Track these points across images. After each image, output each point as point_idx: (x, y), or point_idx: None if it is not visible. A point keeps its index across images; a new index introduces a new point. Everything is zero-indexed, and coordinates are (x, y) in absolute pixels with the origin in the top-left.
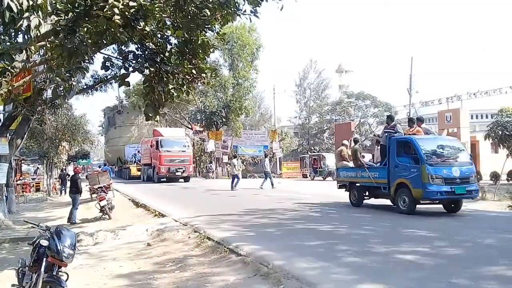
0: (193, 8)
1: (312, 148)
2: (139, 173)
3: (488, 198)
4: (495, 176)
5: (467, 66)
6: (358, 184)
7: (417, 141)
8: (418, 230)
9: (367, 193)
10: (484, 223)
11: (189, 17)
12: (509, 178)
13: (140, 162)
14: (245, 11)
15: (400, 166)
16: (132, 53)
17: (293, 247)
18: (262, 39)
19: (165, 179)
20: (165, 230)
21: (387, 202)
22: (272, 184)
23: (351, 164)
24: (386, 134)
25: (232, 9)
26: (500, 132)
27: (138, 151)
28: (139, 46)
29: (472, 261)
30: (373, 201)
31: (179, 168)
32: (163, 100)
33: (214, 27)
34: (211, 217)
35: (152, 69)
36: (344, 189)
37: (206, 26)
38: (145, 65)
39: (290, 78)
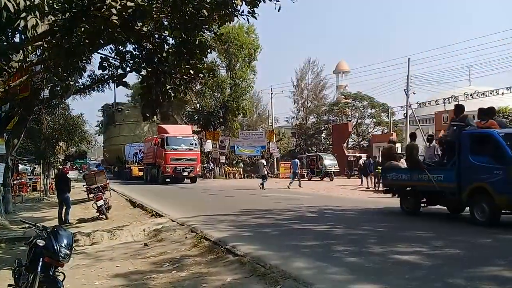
0: (190, 8)
1: (310, 148)
2: (141, 173)
3: None
4: None
5: (465, 65)
6: (413, 189)
7: (500, 135)
8: (415, 231)
9: (425, 199)
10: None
11: (187, 17)
12: None
13: (142, 161)
14: (242, 11)
15: (476, 167)
16: (129, 53)
17: (290, 247)
18: (260, 39)
19: (170, 180)
20: (162, 230)
21: (385, 201)
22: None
23: (402, 164)
24: (454, 127)
25: (230, 9)
26: None
27: (140, 150)
28: (136, 46)
29: (469, 261)
30: (361, 197)
31: (186, 168)
32: (161, 100)
33: (212, 27)
34: (208, 217)
35: (149, 69)
36: (392, 194)
37: (204, 26)
38: (142, 65)
39: (287, 79)
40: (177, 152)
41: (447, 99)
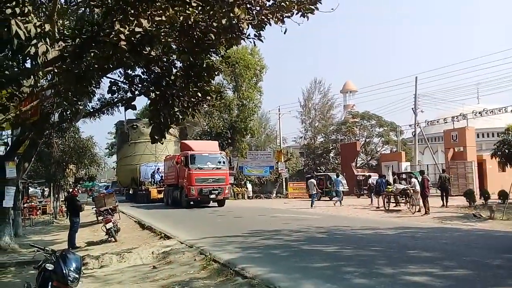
0: (198, 32)
1: (318, 168)
2: (160, 195)
3: (496, 218)
4: (503, 195)
5: (473, 83)
6: None
7: None
8: (425, 251)
9: None
10: (492, 243)
11: (194, 41)
12: None
13: (161, 182)
14: (249, 35)
15: None
16: (138, 77)
17: (299, 269)
18: (265, 60)
19: (194, 203)
20: (171, 252)
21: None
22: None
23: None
24: None
25: (237, 33)
26: (506, 151)
27: (159, 170)
28: (145, 70)
29: (481, 283)
30: (372, 217)
31: (213, 190)
32: (169, 123)
33: (219, 50)
34: (216, 239)
35: (157, 92)
36: None
37: (211, 50)
38: (151, 88)
39: (295, 99)
40: (203, 171)
41: (455, 117)
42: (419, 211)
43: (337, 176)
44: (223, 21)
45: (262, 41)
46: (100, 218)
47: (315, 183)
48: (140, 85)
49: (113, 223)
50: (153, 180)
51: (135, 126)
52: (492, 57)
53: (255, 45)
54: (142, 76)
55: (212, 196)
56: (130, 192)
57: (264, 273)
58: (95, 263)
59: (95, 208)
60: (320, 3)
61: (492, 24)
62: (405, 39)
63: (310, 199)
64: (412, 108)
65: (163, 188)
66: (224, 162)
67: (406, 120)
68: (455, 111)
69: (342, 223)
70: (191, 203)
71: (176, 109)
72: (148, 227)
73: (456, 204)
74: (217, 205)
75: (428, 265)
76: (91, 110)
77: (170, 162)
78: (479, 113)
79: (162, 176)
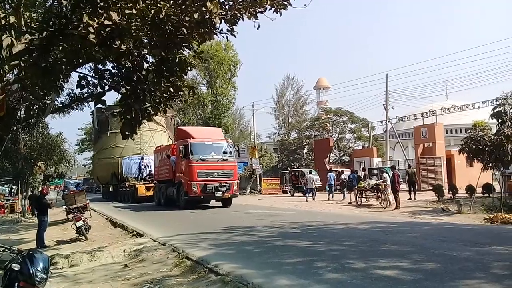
0: (169, 26)
1: (292, 164)
2: (149, 193)
3: (464, 211)
4: (470, 190)
5: (441, 80)
6: None
7: None
8: (396, 245)
9: None
10: (460, 237)
11: (166, 35)
12: (484, 192)
13: (150, 178)
14: (222, 29)
15: None
16: (108, 72)
17: (272, 264)
18: (240, 56)
19: (194, 202)
20: (143, 250)
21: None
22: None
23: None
24: None
25: (209, 28)
26: (474, 146)
27: (147, 165)
28: (115, 64)
29: (450, 275)
30: (344, 212)
31: (220, 186)
32: (140, 119)
33: (191, 45)
34: (190, 236)
35: (128, 87)
36: None
37: (183, 44)
38: (121, 83)
39: (269, 95)
40: (207, 163)
41: (425, 114)
42: (390, 205)
43: (310, 172)
44: (196, 15)
45: (235, 36)
46: (70, 216)
47: (314, 179)
48: (110, 80)
49: (83, 221)
50: (140, 175)
51: (116, 113)
52: (459, 55)
53: (228, 40)
54: (113, 71)
55: (219, 193)
56: (110, 189)
57: (237, 270)
58: (64, 262)
59: (65, 206)
60: None
61: (460, 24)
62: (378, 36)
63: (306, 193)
64: (383, 105)
65: (152, 185)
66: (231, 152)
67: (378, 116)
68: (424, 107)
69: (315, 218)
70: (193, 202)
71: (148, 105)
72: (120, 225)
73: (425, 199)
74: (221, 205)
75: (398, 259)
76: (60, 105)
77: (162, 153)
78: (448, 109)
79: (151, 171)
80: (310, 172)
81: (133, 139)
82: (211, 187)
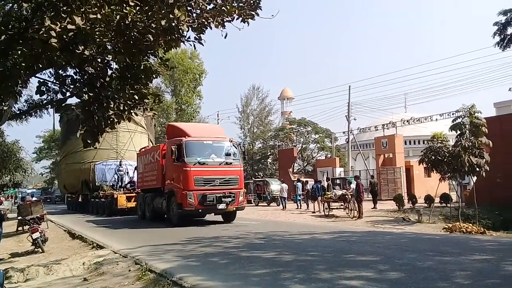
0: (135, 33)
1: (256, 173)
2: (131, 204)
3: (424, 221)
4: (429, 199)
5: (401, 93)
6: None
7: None
8: (360, 255)
9: None
10: (422, 246)
11: (131, 42)
12: (442, 201)
13: (132, 187)
14: (189, 37)
15: None
16: (70, 78)
17: (238, 276)
18: (206, 64)
19: (190, 216)
20: (104, 263)
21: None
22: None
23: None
24: None
25: (176, 35)
26: (433, 157)
27: (126, 172)
28: (77, 70)
29: (414, 285)
30: (309, 222)
31: (223, 196)
32: (103, 126)
33: (157, 52)
34: (153, 247)
35: (91, 94)
36: None
37: (149, 51)
38: (83, 90)
39: (234, 104)
40: (207, 168)
41: (385, 125)
42: (355, 215)
43: (282, 182)
44: (163, 22)
45: (202, 44)
46: (26, 227)
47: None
48: (72, 86)
49: (40, 232)
50: (120, 183)
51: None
52: (418, 69)
53: (195, 48)
54: (75, 77)
55: (222, 206)
56: (80, 200)
57: (203, 282)
58: (19, 276)
59: (20, 217)
60: (260, 9)
61: (420, 39)
62: (342, 50)
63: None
64: (346, 116)
65: (134, 195)
66: (235, 154)
67: (340, 127)
68: (385, 119)
69: (280, 228)
70: (189, 216)
71: (111, 112)
72: (79, 237)
73: (387, 208)
74: (222, 220)
75: (364, 269)
76: (18, 112)
77: (147, 157)
78: (407, 121)
79: (132, 178)
80: (283, 182)
81: (95, 148)
82: (212, 197)
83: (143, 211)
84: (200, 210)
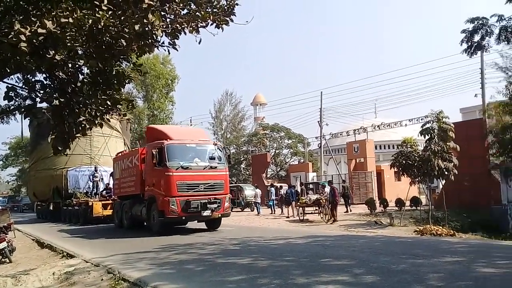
0: (108, 38)
1: (230, 179)
2: (107, 212)
3: (395, 224)
4: (399, 203)
5: (371, 99)
6: None
7: None
8: (336, 259)
9: None
10: (395, 249)
11: (104, 46)
12: (412, 204)
13: (108, 194)
14: (163, 42)
15: None
16: (40, 83)
17: (215, 283)
18: (179, 70)
19: (173, 224)
20: (75, 272)
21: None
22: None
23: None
24: None
25: (150, 40)
26: (403, 162)
27: (101, 178)
28: (48, 75)
29: None
30: (283, 227)
31: (209, 202)
32: (74, 133)
33: (130, 57)
34: (126, 255)
35: (62, 99)
36: None
37: (122, 56)
38: (54, 95)
39: (207, 110)
40: (190, 173)
41: (357, 130)
42: (331, 219)
43: (256, 187)
44: (136, 27)
45: (177, 49)
46: None
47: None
48: (42, 92)
49: (7, 242)
50: (95, 190)
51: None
52: (387, 75)
53: (169, 53)
54: (45, 82)
55: (206, 212)
56: (51, 208)
57: None
58: None
59: None
60: (235, 15)
61: (389, 45)
62: (313, 56)
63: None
64: (318, 121)
65: (110, 202)
66: (220, 158)
67: (313, 132)
68: (356, 124)
69: (254, 233)
70: (170, 224)
71: (82, 118)
72: (48, 246)
73: (359, 212)
74: (205, 227)
75: (339, 273)
76: None
77: (124, 162)
78: (378, 126)
79: (108, 184)
80: (256, 187)
81: (66, 154)
82: (197, 204)
83: (120, 219)
84: (183, 218)
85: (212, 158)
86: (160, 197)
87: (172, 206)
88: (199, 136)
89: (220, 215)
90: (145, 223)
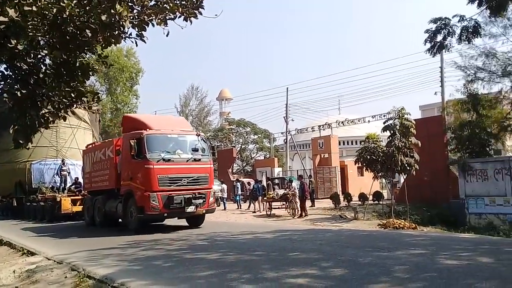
0: (73, 28)
1: None
2: (77, 208)
3: (359, 218)
4: (363, 197)
5: (335, 95)
6: None
7: None
8: (304, 253)
9: None
10: (361, 242)
11: (68, 37)
12: (375, 199)
13: (77, 189)
14: (130, 34)
15: None
16: (0, 73)
17: (184, 279)
18: (144, 63)
19: (151, 221)
20: (37, 270)
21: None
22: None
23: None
24: None
25: (117, 31)
26: (368, 157)
27: (68, 172)
28: (8, 65)
29: (358, 281)
30: (250, 222)
31: (193, 197)
32: (36, 126)
33: (95, 49)
34: (90, 252)
35: (24, 91)
36: None
37: (86, 47)
38: (15, 86)
39: (172, 104)
40: (172, 165)
41: (321, 126)
42: (298, 213)
43: (222, 183)
44: (103, 18)
45: (144, 41)
46: None
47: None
48: (2, 82)
49: None
50: (63, 185)
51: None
52: (351, 72)
53: (137, 45)
54: (5, 72)
55: (191, 208)
56: (14, 204)
57: (147, 286)
58: None
59: None
60: (203, 8)
61: (353, 44)
62: (280, 52)
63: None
64: (284, 117)
65: (80, 197)
66: (204, 150)
67: (279, 128)
68: (320, 120)
69: (222, 229)
70: (149, 221)
71: (46, 111)
72: (7, 243)
73: (323, 207)
74: (187, 224)
75: (308, 267)
76: None
77: (96, 154)
78: (342, 122)
79: (77, 178)
80: (222, 182)
81: (28, 148)
82: (180, 199)
83: (91, 216)
84: (165, 214)
85: (195, 150)
86: (139, 192)
87: (153, 202)
88: (181, 125)
89: (204, 211)
90: (119, 220)
